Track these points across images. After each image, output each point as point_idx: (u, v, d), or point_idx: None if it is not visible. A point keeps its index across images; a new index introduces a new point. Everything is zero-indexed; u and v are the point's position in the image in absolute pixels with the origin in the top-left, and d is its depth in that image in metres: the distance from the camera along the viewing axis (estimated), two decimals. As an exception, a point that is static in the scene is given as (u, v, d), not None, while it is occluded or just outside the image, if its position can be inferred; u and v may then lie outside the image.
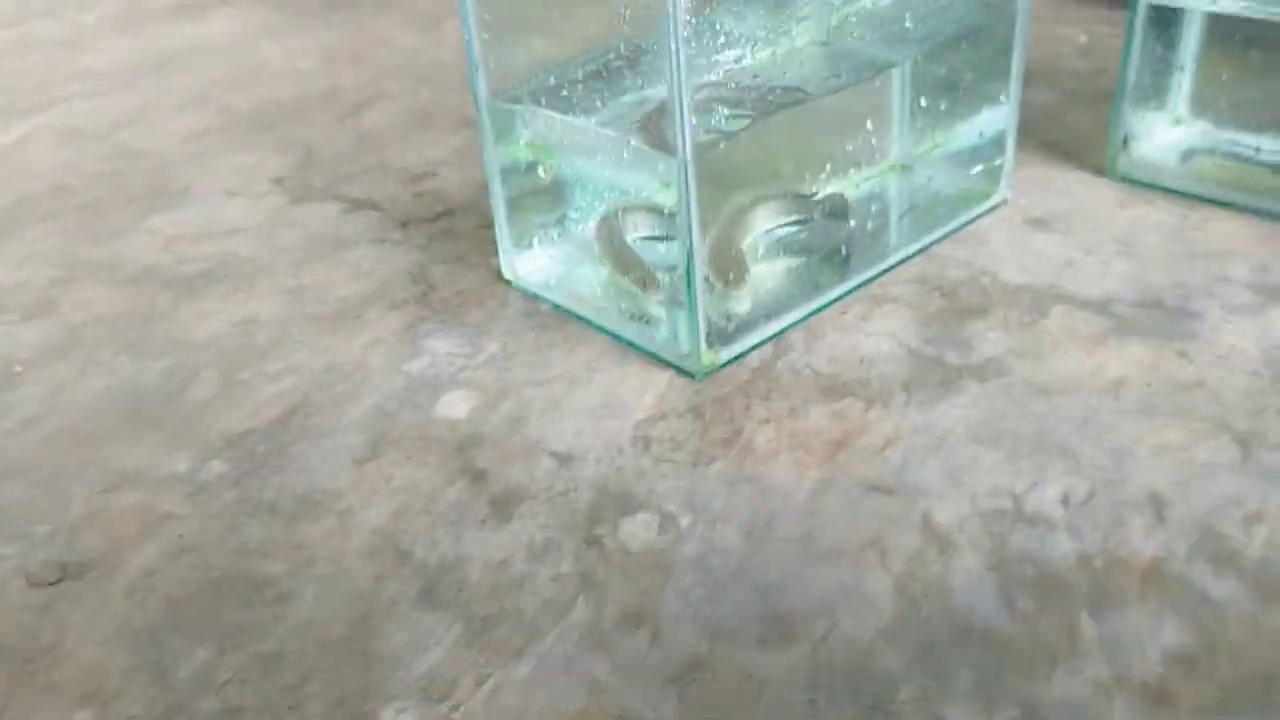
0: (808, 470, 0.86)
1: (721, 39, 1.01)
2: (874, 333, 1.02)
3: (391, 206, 1.33)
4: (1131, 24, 1.16)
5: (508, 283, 1.14)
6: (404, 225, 1.28)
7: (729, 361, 0.99)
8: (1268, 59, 1.20)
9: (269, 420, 0.97)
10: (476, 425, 0.94)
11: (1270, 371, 0.93)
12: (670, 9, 0.80)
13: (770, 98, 1.00)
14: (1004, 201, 1.21)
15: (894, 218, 1.19)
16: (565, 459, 0.89)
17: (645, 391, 0.97)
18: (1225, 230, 1.13)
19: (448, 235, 1.25)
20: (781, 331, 1.03)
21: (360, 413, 0.97)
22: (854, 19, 1.14)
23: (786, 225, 1.13)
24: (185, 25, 2.06)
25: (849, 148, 1.21)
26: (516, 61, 1.03)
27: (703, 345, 0.97)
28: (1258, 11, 1.16)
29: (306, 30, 1.96)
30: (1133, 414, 0.89)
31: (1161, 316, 1.01)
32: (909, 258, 1.13)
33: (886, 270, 1.11)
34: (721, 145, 0.95)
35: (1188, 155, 1.26)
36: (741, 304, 1.02)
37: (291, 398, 0.99)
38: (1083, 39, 1.67)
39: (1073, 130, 1.38)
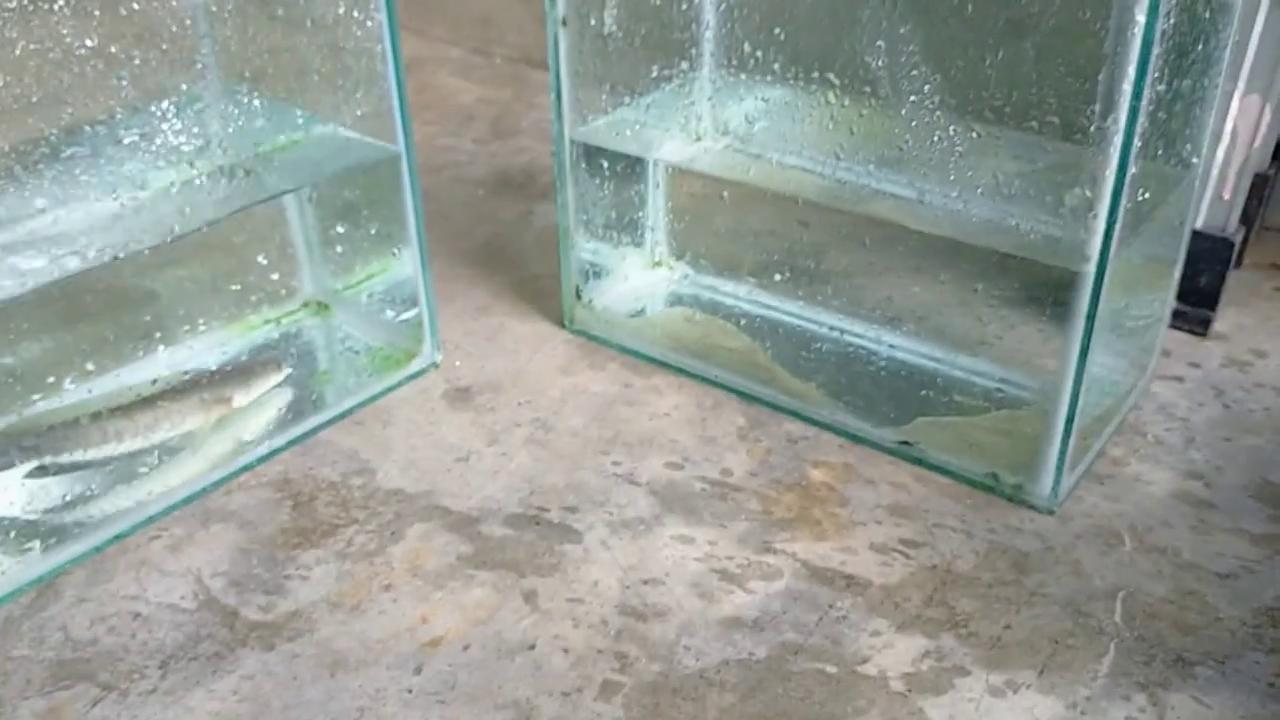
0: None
1: None
2: (175, 571, 0.80)
3: None
4: (559, 158, 1.00)
5: None
6: None
7: (-38, 621, 0.76)
8: (742, 199, 1.06)
9: None
10: None
11: (620, 621, 0.76)
12: None
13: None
14: (434, 365, 1.02)
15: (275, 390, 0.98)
16: None
17: None
18: (665, 406, 0.97)
19: None
20: (63, 566, 0.80)
21: None
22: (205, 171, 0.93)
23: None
24: None
25: (234, 286, 1.01)
26: None
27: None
28: (710, 167, 1.01)
29: None
30: (420, 704, 0.70)
31: (535, 538, 0.83)
32: (282, 448, 0.92)
33: (248, 467, 0.90)
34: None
35: (671, 301, 1.11)
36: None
37: None
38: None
39: (570, 261, 1.21)
